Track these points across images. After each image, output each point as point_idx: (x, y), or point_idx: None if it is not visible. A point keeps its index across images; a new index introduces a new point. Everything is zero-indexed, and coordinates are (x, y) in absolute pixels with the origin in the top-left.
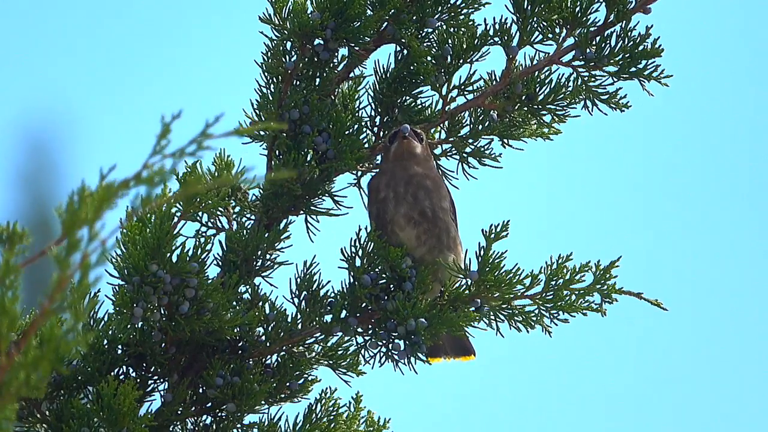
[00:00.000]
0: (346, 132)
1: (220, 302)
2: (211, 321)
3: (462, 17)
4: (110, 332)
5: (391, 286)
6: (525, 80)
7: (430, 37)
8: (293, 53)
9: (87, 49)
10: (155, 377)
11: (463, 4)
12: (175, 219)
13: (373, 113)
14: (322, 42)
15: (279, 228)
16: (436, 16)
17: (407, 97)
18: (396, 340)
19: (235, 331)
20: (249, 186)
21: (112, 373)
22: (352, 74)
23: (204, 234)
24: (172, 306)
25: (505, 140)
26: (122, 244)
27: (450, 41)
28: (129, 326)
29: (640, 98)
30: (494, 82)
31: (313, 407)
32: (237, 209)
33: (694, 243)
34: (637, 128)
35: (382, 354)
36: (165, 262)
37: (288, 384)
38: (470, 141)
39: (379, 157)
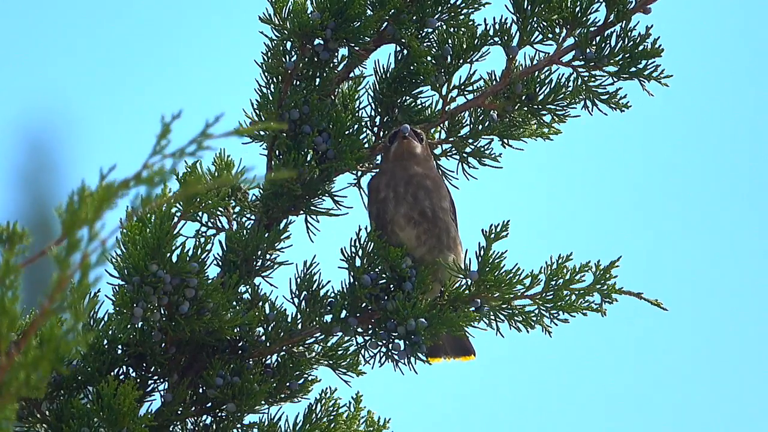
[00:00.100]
0: (346, 132)
1: (220, 302)
2: (211, 321)
3: (462, 17)
4: (110, 332)
5: (391, 286)
6: (525, 80)
7: (430, 37)
8: (293, 53)
9: (87, 49)
10: (155, 377)
11: (463, 4)
12: (175, 219)
13: (373, 113)
14: (322, 42)
15: (279, 228)
16: (436, 16)
17: (407, 97)
18: (396, 340)
19: (235, 331)
20: (249, 186)
21: (112, 373)
22: (352, 74)
23: (204, 234)
24: (172, 306)
25: (505, 140)
26: (122, 244)
27: (450, 41)
28: (129, 326)
29: (640, 98)
30: (494, 82)
31: (313, 407)
32: (237, 209)
33: (694, 243)
34: (637, 128)
35: (382, 354)
36: (165, 262)
37: (288, 384)
38: (470, 141)
39: (379, 157)
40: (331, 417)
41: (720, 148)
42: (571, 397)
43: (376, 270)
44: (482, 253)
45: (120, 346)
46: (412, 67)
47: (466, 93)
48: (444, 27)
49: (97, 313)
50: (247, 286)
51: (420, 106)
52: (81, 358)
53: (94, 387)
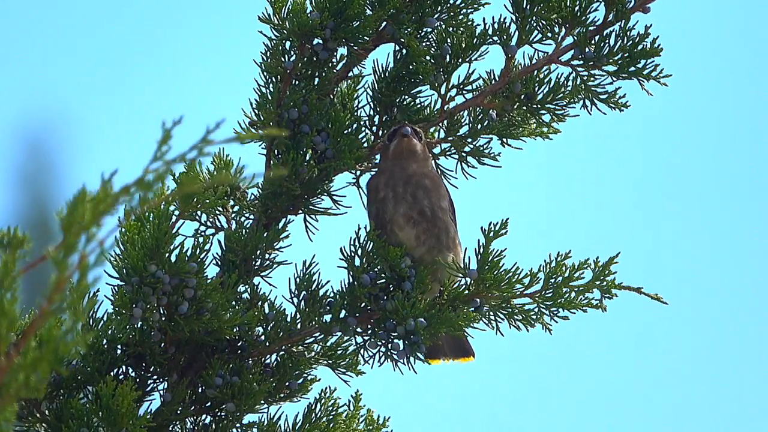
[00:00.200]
0: (345, 131)
1: (219, 302)
2: (211, 321)
3: (461, 17)
4: (109, 332)
5: (391, 285)
6: (524, 79)
7: (429, 36)
8: (292, 53)
9: (86, 49)
10: (154, 377)
11: (463, 4)
12: (174, 218)
13: (372, 112)
14: (321, 41)
15: (278, 227)
16: (435, 16)
17: (406, 97)
18: (395, 340)
19: (235, 330)
20: (247, 185)
21: (112, 373)
22: (351, 74)
23: (203, 233)
24: (172, 306)
25: (504, 139)
26: (121, 245)
27: (449, 40)
28: (128, 326)
29: (639, 98)
30: (493, 82)
31: (313, 407)
32: (236, 209)
33: (694, 241)
34: (637, 128)
35: (381, 354)
36: (164, 262)
37: (287, 383)
38: (469, 140)
39: (378, 157)
40: (331, 416)
41: (719, 147)
42: (572, 394)
43: (376, 270)
44: (481, 251)
45: (119, 346)
46: (411, 67)
47: (465, 92)
48: (443, 26)
49: (96, 313)
50: (246, 286)
51: (419, 106)
52: (80, 358)
53: (93, 387)
